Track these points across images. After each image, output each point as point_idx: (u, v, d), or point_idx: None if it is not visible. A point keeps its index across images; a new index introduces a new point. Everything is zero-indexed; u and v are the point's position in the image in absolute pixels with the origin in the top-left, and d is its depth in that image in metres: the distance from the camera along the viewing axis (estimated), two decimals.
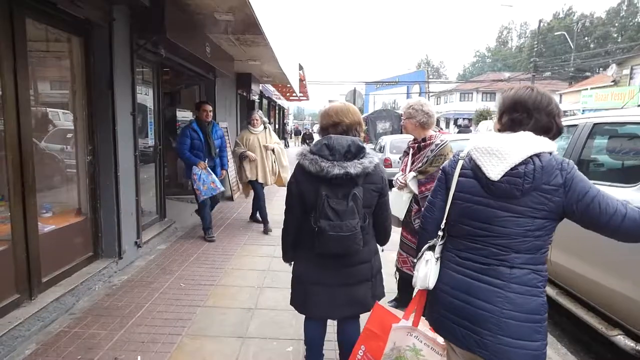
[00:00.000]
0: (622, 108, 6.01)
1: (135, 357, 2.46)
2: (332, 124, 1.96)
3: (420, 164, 2.80)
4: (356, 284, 1.97)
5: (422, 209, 2.62)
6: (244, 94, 10.00)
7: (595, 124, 3.00)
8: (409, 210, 2.88)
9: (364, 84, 49.58)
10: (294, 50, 9.66)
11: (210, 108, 4.82)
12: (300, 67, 11.79)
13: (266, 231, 5.34)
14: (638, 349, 2.32)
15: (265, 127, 5.34)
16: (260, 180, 5.30)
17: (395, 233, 3.04)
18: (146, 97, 5.06)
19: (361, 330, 2.16)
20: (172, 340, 2.68)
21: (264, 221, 5.46)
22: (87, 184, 3.63)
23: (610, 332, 2.51)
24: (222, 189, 4.92)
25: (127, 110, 3.93)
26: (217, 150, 4.88)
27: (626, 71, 21.73)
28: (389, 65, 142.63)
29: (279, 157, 5.46)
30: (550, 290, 3.15)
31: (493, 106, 35.12)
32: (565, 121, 3.47)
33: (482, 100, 37.50)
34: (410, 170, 2.87)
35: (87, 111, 3.57)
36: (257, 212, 5.68)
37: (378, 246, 2.10)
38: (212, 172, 4.77)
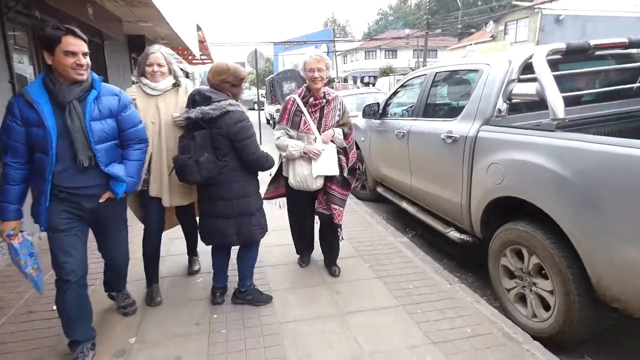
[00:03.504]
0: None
1: (50, 307, 2.66)
2: (207, 82, 2.40)
3: (337, 118, 2.83)
4: (238, 216, 2.40)
5: (350, 156, 2.89)
6: (139, 58, 9.48)
7: (436, 73, 3.72)
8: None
9: (272, 45, 48.52)
10: (189, 10, 9.32)
11: (83, 48, 1.93)
12: (199, 28, 11.39)
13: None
14: (462, 238, 3.16)
15: (177, 84, 2.58)
16: (153, 193, 2.51)
17: None
18: (23, 65, 4.72)
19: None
20: None
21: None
22: None
23: (445, 229, 3.35)
24: (41, 289, 2.16)
25: (3, 78, 3.74)
26: (106, 145, 2.05)
27: (501, 27, 24.47)
28: (296, 24, 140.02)
29: None
30: (411, 208, 3.96)
31: (395, 64, 37.17)
32: (419, 71, 4.19)
33: (385, 58, 39.32)
34: (324, 128, 2.79)
35: None
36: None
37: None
38: (31, 248, 2.07)
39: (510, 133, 2.56)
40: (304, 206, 3.03)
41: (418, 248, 3.63)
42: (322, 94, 2.77)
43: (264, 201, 2.74)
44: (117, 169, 2.09)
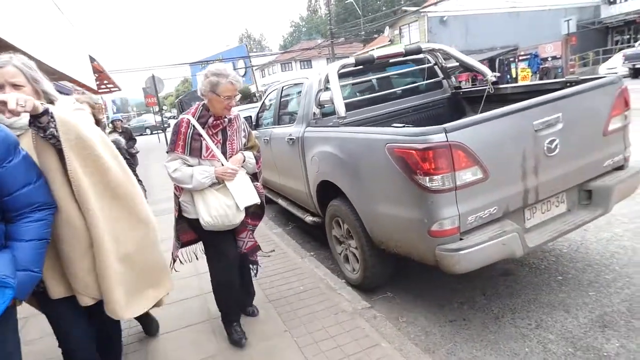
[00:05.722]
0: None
1: None
2: None
3: (244, 140, 2.50)
4: None
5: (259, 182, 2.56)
6: None
7: (283, 87, 4.43)
8: None
9: (189, 66, 47.88)
10: (78, 44, 9.36)
11: None
12: (92, 59, 11.34)
13: None
14: (314, 220, 3.85)
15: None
16: (56, 294, 1.68)
17: None
18: None
19: None
20: None
21: None
22: None
23: (304, 215, 4.03)
24: None
25: None
26: None
27: (397, 32, 26.72)
28: (213, 42, 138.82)
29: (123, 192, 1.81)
30: (283, 202, 4.62)
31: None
32: (273, 86, 4.88)
33: (301, 69, 40.65)
34: (230, 153, 2.36)
35: None
36: None
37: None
38: None
39: (319, 131, 3.30)
40: (231, 251, 2.45)
41: (287, 235, 4.29)
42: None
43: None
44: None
